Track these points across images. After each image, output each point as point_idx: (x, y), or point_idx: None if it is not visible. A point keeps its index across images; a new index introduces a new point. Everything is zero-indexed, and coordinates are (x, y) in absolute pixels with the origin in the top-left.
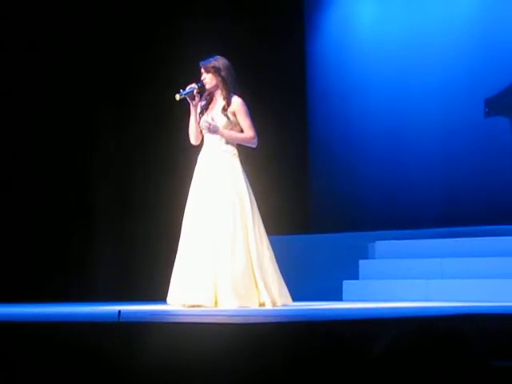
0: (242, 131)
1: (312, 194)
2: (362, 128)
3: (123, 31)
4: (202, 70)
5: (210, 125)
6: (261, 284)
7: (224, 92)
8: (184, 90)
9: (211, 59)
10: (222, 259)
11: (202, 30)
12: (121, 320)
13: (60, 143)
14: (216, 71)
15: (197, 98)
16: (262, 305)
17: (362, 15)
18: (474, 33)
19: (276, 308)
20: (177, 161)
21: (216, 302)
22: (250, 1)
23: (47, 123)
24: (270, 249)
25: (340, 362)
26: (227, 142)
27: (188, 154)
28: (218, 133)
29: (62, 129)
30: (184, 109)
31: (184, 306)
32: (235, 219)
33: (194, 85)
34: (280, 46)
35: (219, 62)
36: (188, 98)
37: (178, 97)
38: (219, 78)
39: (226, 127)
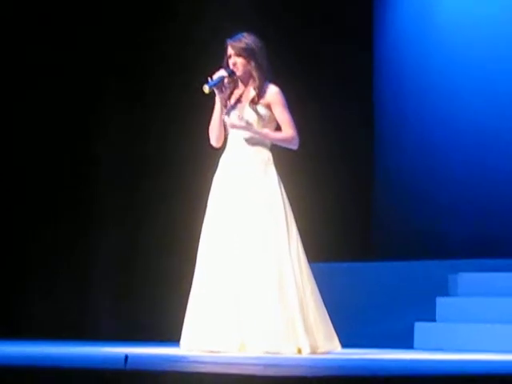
0: (277, 129)
1: (377, 212)
2: (441, 136)
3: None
4: (231, 52)
5: (235, 124)
6: (299, 325)
7: (258, 81)
8: (212, 79)
9: (240, 36)
10: (250, 293)
11: (252, 17)
12: (128, 367)
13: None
14: (250, 54)
15: (228, 90)
16: (299, 351)
17: (441, 5)
18: None
19: (316, 356)
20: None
21: (241, 347)
22: None
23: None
24: (313, 280)
25: None
26: (259, 143)
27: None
28: (251, 132)
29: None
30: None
31: (201, 351)
32: (267, 244)
33: (223, 71)
34: (344, 39)
35: (251, 41)
36: (216, 90)
37: (206, 89)
38: (253, 64)
39: (256, 124)
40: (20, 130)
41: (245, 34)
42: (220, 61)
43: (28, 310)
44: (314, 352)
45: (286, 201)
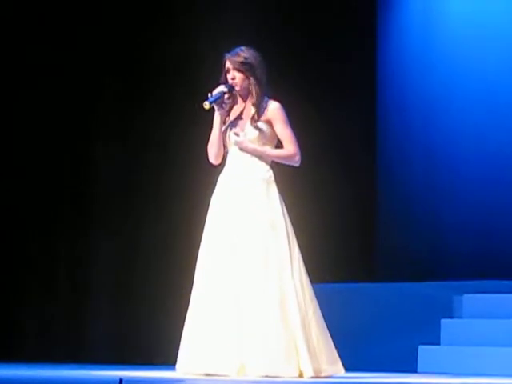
0: (277, 146)
1: (380, 232)
2: (445, 151)
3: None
4: (229, 66)
5: (238, 140)
6: (302, 346)
7: (256, 97)
8: (212, 95)
9: (238, 50)
10: (250, 312)
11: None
12: None
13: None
14: (249, 69)
15: (227, 105)
16: (301, 375)
17: (444, 18)
18: None
19: (318, 380)
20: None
21: (240, 370)
22: None
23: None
24: (315, 300)
25: None
26: (259, 161)
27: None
28: (248, 150)
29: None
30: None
31: (198, 374)
32: (268, 262)
33: (222, 87)
34: (348, 52)
35: (250, 55)
36: (216, 106)
37: (207, 105)
38: (252, 80)
39: (256, 142)
40: (20, 130)
41: (243, 48)
42: (219, 72)
43: (28, 311)
44: (316, 376)
45: (288, 220)
